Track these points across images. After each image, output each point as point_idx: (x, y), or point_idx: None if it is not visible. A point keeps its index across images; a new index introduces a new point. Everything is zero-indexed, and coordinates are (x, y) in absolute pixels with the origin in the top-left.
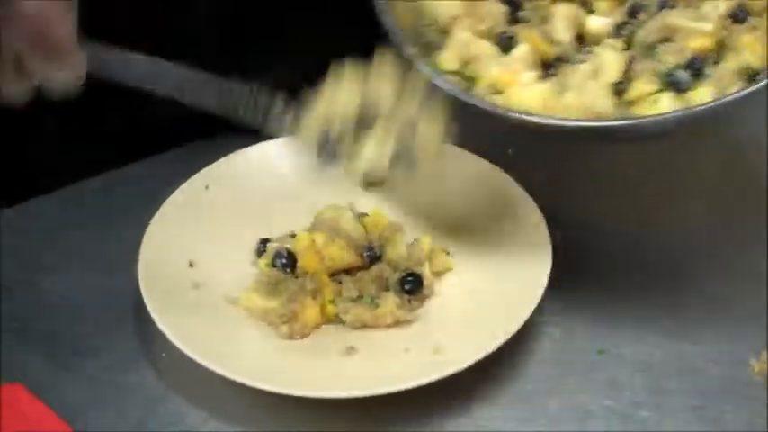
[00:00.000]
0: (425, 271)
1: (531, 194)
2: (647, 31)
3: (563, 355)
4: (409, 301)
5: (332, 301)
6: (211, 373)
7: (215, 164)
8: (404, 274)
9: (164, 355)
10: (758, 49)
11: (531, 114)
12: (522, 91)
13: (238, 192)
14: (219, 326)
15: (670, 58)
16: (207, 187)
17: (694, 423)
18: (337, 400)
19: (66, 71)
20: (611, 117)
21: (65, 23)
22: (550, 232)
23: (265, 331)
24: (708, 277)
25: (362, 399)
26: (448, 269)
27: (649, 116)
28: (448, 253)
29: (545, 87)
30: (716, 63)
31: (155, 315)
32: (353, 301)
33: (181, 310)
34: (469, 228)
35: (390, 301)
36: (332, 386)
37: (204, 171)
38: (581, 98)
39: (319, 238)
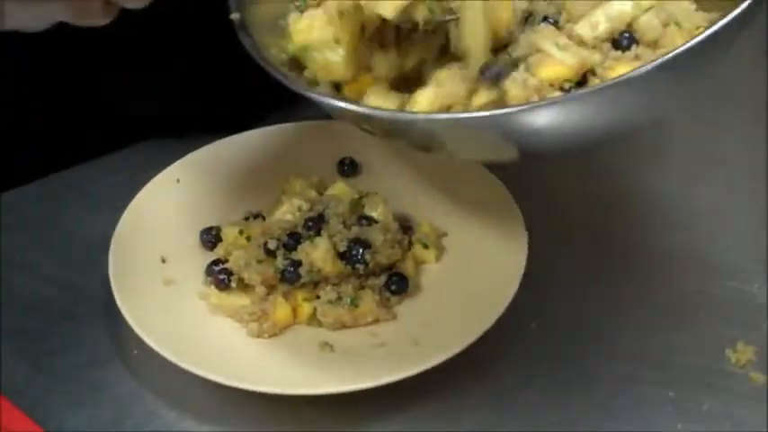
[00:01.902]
0: (408, 263)
1: (507, 186)
2: (518, 45)
3: (539, 347)
4: (388, 299)
5: (306, 300)
6: (185, 371)
7: (186, 157)
8: (390, 273)
9: (136, 352)
10: None
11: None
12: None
13: (210, 185)
14: (192, 323)
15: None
16: (178, 181)
17: (671, 414)
18: (313, 396)
19: None
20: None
21: None
22: (526, 224)
23: (238, 329)
24: (682, 268)
25: (339, 395)
26: (426, 262)
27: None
28: (427, 246)
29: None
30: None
31: (126, 313)
32: (332, 302)
33: (153, 308)
34: (444, 221)
35: (370, 300)
36: (307, 383)
37: (175, 164)
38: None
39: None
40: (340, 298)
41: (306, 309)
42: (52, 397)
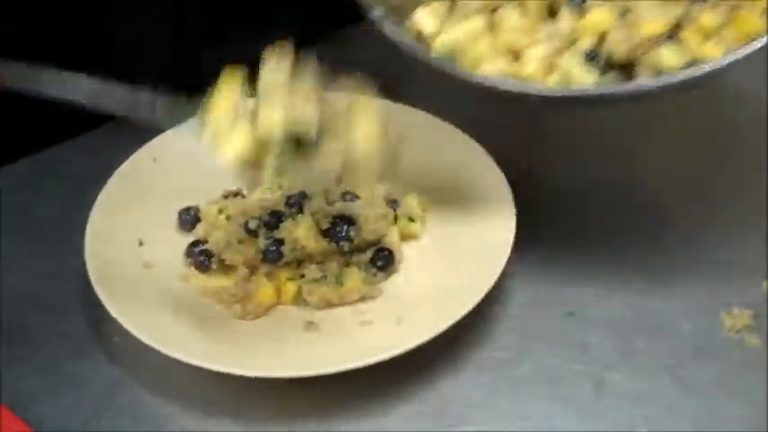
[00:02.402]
0: (394, 239)
1: (494, 157)
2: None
3: (530, 320)
4: (375, 274)
5: (290, 279)
6: (167, 357)
7: (162, 135)
8: (375, 249)
9: (116, 339)
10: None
11: (509, 81)
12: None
13: (187, 164)
14: (173, 307)
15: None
16: (154, 159)
17: (667, 383)
18: (299, 378)
19: None
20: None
21: None
22: (513, 194)
23: (221, 311)
24: (674, 234)
25: (324, 375)
26: (412, 236)
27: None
28: (413, 220)
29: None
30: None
31: (104, 299)
32: (317, 281)
33: (132, 293)
34: (429, 194)
35: (356, 277)
36: (292, 366)
37: (151, 143)
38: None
39: None
40: (325, 276)
41: (290, 288)
42: (31, 388)
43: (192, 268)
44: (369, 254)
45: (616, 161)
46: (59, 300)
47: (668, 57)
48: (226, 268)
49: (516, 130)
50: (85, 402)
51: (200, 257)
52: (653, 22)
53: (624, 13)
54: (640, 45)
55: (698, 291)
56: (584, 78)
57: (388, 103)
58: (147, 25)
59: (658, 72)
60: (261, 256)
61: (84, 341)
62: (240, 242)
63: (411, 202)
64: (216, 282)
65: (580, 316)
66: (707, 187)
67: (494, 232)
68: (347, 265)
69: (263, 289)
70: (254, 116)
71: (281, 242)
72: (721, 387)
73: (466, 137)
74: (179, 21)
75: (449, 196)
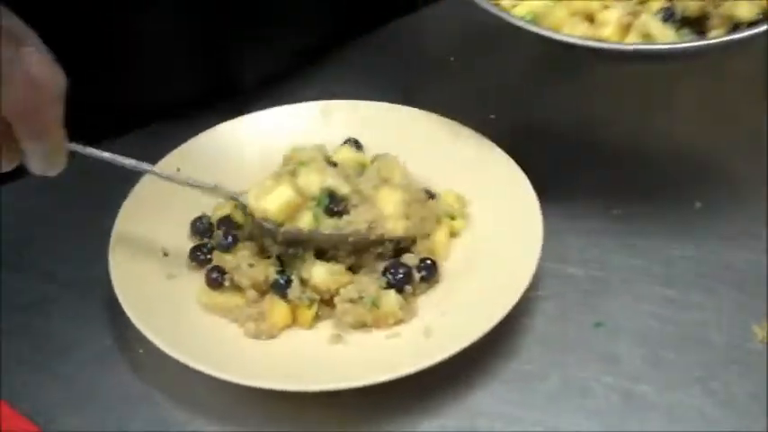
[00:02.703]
0: (442, 238)
1: (521, 166)
2: None
3: (558, 332)
4: (406, 298)
5: (309, 307)
6: (193, 370)
7: (184, 144)
8: (420, 258)
9: (141, 351)
10: None
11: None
12: None
13: (211, 173)
14: (199, 320)
15: None
16: (178, 169)
17: (698, 395)
18: (325, 392)
19: (49, 150)
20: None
21: (56, 104)
22: (540, 203)
23: None
24: (703, 240)
25: (351, 389)
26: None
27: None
28: (453, 218)
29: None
30: None
31: (129, 311)
32: (353, 302)
33: (156, 304)
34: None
35: (393, 302)
36: (318, 379)
37: (174, 152)
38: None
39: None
40: (361, 297)
41: (307, 314)
42: (54, 400)
43: (205, 285)
44: (414, 259)
45: (644, 174)
46: (83, 309)
47: (743, 8)
48: (238, 287)
49: (536, 132)
50: (108, 415)
51: (213, 274)
52: None
53: None
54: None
55: (729, 301)
56: (664, 36)
57: (410, 109)
58: (174, 27)
59: (733, 24)
60: (270, 284)
61: (108, 352)
62: (251, 266)
63: (449, 199)
64: (227, 300)
65: (608, 327)
66: (743, 195)
67: (520, 243)
68: (385, 285)
69: (278, 310)
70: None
71: (290, 280)
72: (754, 399)
73: (487, 140)
74: (207, 22)
75: (474, 204)
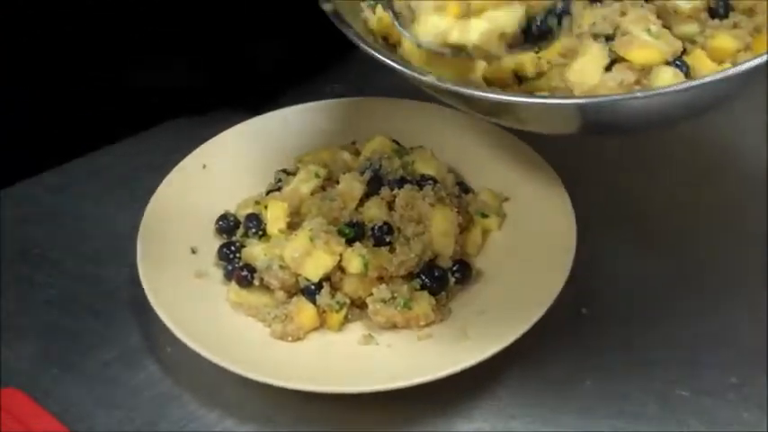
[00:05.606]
0: (474, 237)
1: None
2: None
3: (593, 335)
4: (439, 300)
5: (338, 311)
6: (223, 369)
7: (210, 141)
8: (453, 260)
9: (169, 349)
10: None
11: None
12: None
13: (237, 169)
14: (227, 318)
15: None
16: (204, 166)
17: (735, 401)
18: (357, 394)
19: None
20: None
21: None
22: (573, 206)
23: None
24: (738, 245)
25: (385, 391)
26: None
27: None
28: (486, 216)
29: None
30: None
31: (158, 309)
32: (385, 302)
33: (185, 302)
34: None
35: (425, 303)
36: (351, 380)
37: (200, 149)
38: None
39: None
40: (394, 298)
41: (334, 318)
42: (82, 398)
43: (233, 283)
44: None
45: (675, 173)
46: (110, 307)
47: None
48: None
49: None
50: (137, 414)
51: (243, 272)
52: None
53: None
54: None
55: (764, 305)
56: None
57: (441, 107)
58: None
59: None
60: (301, 288)
61: (136, 350)
62: (282, 267)
63: (484, 197)
64: (257, 299)
65: (643, 331)
66: None
67: (555, 246)
68: (419, 287)
69: (305, 312)
70: None
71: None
72: None
73: (531, 151)
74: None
75: (507, 203)
